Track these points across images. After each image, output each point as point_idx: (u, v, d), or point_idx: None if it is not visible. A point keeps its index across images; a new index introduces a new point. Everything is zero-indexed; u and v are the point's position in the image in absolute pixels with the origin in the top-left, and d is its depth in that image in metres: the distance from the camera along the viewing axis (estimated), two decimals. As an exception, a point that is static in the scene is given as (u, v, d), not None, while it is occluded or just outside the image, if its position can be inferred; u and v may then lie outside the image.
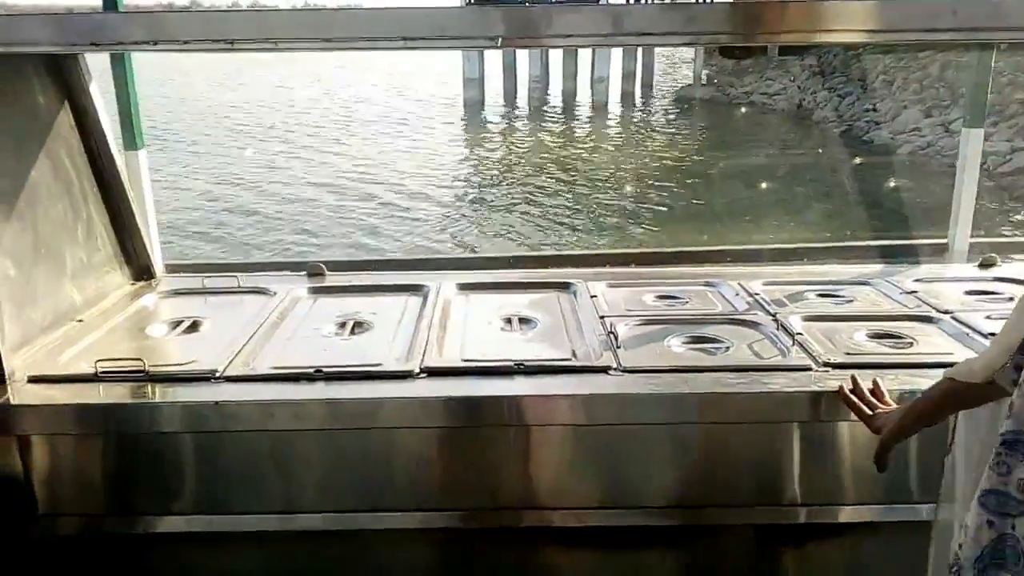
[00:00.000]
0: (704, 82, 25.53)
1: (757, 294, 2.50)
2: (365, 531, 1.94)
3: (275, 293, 2.54)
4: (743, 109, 22.02)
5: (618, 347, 2.07)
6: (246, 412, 1.85)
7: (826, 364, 1.97)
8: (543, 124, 21.71)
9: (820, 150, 16.89)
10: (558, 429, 1.90)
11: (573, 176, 14.84)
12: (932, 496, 1.74)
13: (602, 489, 1.93)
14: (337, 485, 1.92)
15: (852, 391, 1.77)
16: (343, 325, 2.30)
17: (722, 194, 13.00)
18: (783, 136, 18.48)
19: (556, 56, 26.64)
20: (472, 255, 8.46)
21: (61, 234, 2.29)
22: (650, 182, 14.17)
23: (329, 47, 1.84)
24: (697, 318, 2.33)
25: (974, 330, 2.15)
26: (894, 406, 1.69)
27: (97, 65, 2.49)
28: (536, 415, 1.88)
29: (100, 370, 1.93)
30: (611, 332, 2.15)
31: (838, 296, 2.52)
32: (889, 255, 3.07)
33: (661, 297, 2.53)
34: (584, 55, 25.82)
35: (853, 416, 1.73)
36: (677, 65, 32.34)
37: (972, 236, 3.04)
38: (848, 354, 2.04)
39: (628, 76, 25.93)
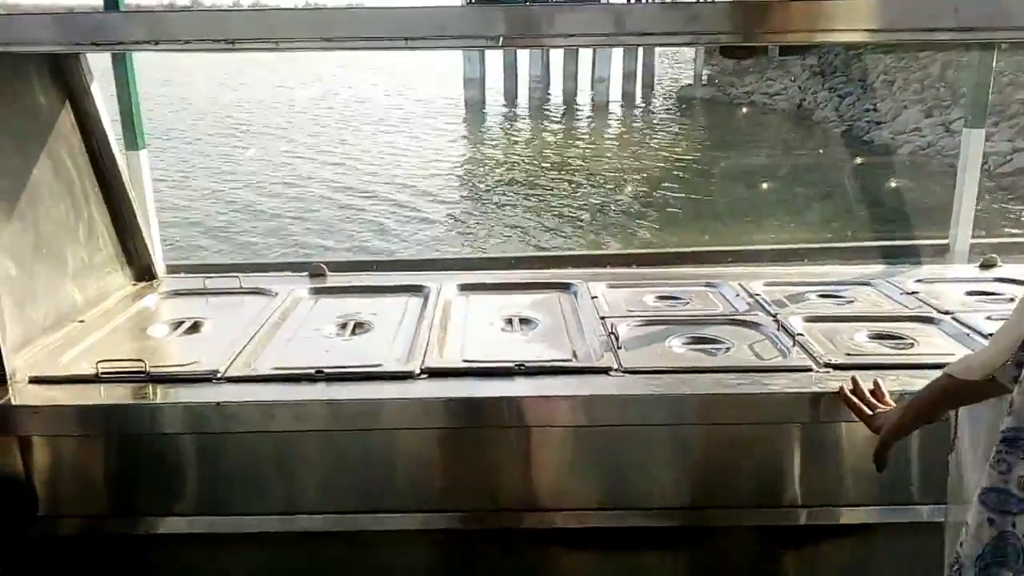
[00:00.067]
0: (705, 82, 25.53)
1: (758, 295, 2.49)
2: (366, 532, 1.93)
3: (276, 294, 2.54)
4: (744, 109, 22.02)
5: (619, 348, 2.07)
6: (247, 413, 1.84)
7: (827, 365, 1.97)
8: (544, 124, 21.71)
9: (821, 150, 16.89)
10: (559, 430, 1.89)
11: (574, 175, 14.84)
12: (933, 497, 1.74)
13: (603, 490, 1.93)
14: (338, 486, 1.92)
15: (853, 392, 1.77)
16: (344, 326, 2.30)
17: (723, 194, 13.01)
18: (784, 136, 18.47)
19: (557, 56, 26.65)
20: (472, 256, 8.45)
21: (62, 234, 2.29)
22: (652, 182, 14.17)
23: (330, 47, 1.84)
24: (698, 319, 2.33)
25: (975, 331, 2.15)
26: (895, 406, 1.69)
27: (98, 65, 2.50)
28: (537, 416, 1.88)
29: (101, 371, 1.93)
30: (612, 333, 2.15)
31: (839, 297, 2.52)
32: (890, 256, 3.07)
33: (662, 298, 2.53)
34: (585, 55, 25.83)
35: (854, 417, 1.73)
36: (680, 65, 32.32)
37: (973, 237, 3.04)
38: (849, 355, 2.04)
39: (629, 76, 25.93)
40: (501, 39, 1.81)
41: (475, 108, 23.82)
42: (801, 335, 2.13)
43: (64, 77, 2.38)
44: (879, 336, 2.17)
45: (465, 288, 2.60)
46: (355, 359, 2.04)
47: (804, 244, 3.40)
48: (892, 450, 1.59)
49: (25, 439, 1.86)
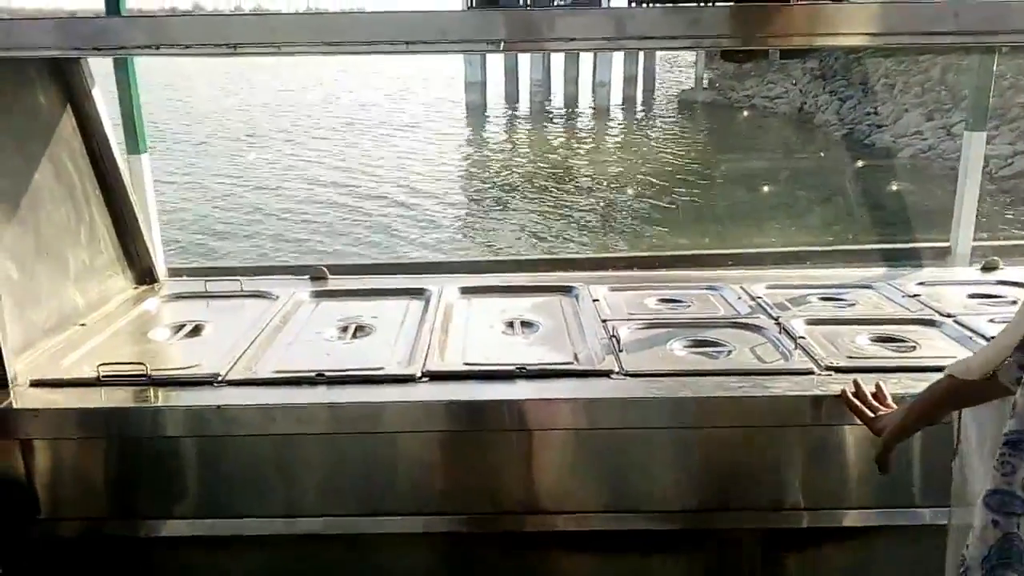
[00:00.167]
0: (706, 86, 25.55)
1: (759, 297, 2.49)
2: (367, 535, 1.93)
3: (277, 297, 2.54)
4: (745, 113, 22.05)
5: (620, 351, 2.07)
6: (248, 416, 1.84)
7: (828, 368, 1.96)
8: (545, 128, 21.74)
9: (822, 153, 16.91)
10: (560, 433, 1.89)
11: (578, 179, 14.86)
12: (935, 500, 1.74)
13: (604, 493, 1.93)
14: (339, 489, 1.92)
15: (854, 394, 1.77)
16: (345, 329, 2.30)
17: (724, 197, 13.03)
18: (785, 140, 18.49)
19: (558, 60, 26.69)
20: (473, 259, 8.47)
21: (63, 237, 2.30)
22: (653, 185, 14.17)
23: (331, 51, 1.84)
24: (699, 322, 2.32)
25: (977, 333, 2.15)
26: (896, 408, 1.68)
27: (100, 70, 2.50)
28: (538, 419, 1.87)
29: (102, 374, 1.93)
30: (613, 336, 2.15)
31: (840, 300, 2.51)
32: (891, 258, 3.07)
33: (663, 301, 2.53)
34: (585, 59, 25.87)
35: (856, 420, 1.73)
36: (681, 69, 32.35)
37: (974, 239, 3.03)
38: (851, 358, 2.04)
39: (629, 80, 25.96)
40: (502, 43, 1.81)
41: (476, 112, 23.86)
42: (803, 338, 2.13)
43: (66, 81, 2.38)
44: (881, 339, 2.17)
45: (466, 291, 2.60)
46: (356, 362, 2.04)
47: (806, 247, 3.40)
48: (894, 452, 1.59)
49: (26, 442, 1.86)
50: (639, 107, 25.13)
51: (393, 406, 1.86)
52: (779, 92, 22.06)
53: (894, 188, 13.20)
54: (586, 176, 15.30)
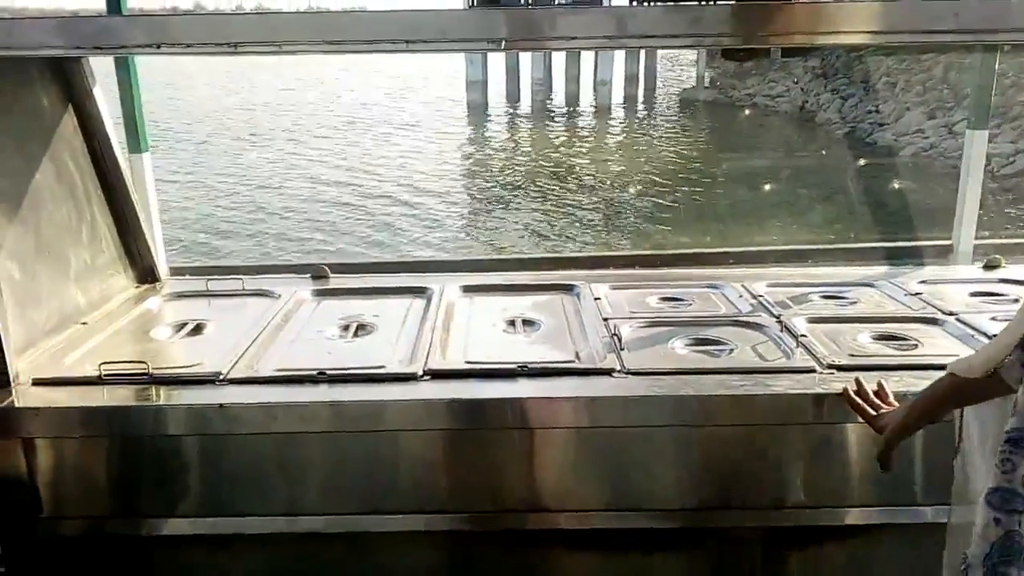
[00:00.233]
0: (707, 84, 25.53)
1: (761, 296, 2.49)
2: (368, 534, 1.93)
3: (279, 295, 2.54)
4: (746, 111, 22.02)
5: (622, 349, 2.07)
6: (250, 414, 1.85)
7: (830, 366, 1.96)
8: (547, 127, 21.73)
9: (824, 152, 16.89)
10: (562, 431, 1.89)
11: (580, 178, 14.86)
12: (937, 499, 1.74)
13: (606, 492, 1.93)
14: (340, 487, 1.92)
15: (856, 392, 1.76)
16: (347, 327, 2.30)
17: (726, 195, 13.02)
18: (786, 138, 18.47)
19: (559, 59, 26.68)
20: (474, 258, 8.48)
21: (65, 236, 2.30)
22: (654, 183, 14.17)
23: (333, 50, 1.84)
24: (701, 320, 2.32)
25: (979, 332, 2.15)
26: (898, 406, 1.68)
27: (101, 69, 2.50)
28: (540, 417, 1.88)
29: (104, 373, 1.93)
30: (615, 334, 2.15)
31: (842, 298, 2.51)
32: (893, 257, 3.07)
33: (665, 299, 2.53)
34: (587, 58, 25.86)
35: (858, 418, 1.73)
36: (682, 68, 32.33)
37: (976, 237, 3.03)
38: (852, 356, 2.04)
39: (631, 79, 25.94)
40: (503, 42, 1.81)
41: (478, 111, 23.85)
42: (804, 336, 2.13)
43: (67, 80, 2.38)
44: (883, 337, 2.17)
45: (468, 290, 2.60)
46: (358, 361, 2.04)
47: (807, 245, 3.40)
48: (896, 450, 1.59)
49: (28, 441, 1.86)
50: (640, 106, 25.11)
51: (395, 405, 1.86)
52: (780, 90, 22.02)
53: (896, 186, 13.18)
54: (588, 175, 15.29)
